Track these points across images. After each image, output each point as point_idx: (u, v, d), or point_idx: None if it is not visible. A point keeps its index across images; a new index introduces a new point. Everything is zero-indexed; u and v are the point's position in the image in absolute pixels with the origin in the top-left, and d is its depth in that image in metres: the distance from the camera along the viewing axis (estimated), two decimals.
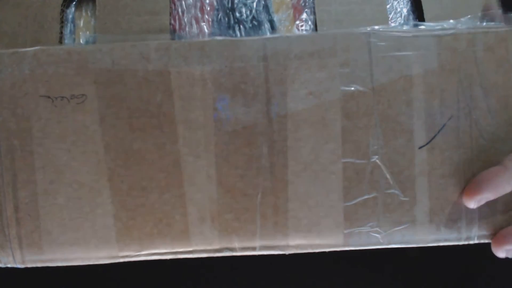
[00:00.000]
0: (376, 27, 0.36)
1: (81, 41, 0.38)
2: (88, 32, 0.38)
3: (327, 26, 0.37)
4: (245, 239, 0.36)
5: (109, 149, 0.36)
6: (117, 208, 0.36)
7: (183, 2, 0.38)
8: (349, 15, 0.38)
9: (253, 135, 0.36)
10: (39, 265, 0.37)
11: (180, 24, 0.38)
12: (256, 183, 0.36)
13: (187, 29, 0.38)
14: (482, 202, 0.36)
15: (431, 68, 0.36)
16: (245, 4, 0.38)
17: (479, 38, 0.36)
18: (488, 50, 0.36)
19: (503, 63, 0.36)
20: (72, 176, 0.36)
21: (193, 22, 0.38)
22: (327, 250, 0.37)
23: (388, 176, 0.36)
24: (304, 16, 0.38)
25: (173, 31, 0.37)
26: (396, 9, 0.39)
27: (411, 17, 0.39)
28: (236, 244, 0.37)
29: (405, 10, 0.39)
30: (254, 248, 0.37)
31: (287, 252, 0.37)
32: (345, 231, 0.37)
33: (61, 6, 0.38)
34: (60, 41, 0.38)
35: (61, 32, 0.38)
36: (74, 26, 0.38)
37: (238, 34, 0.38)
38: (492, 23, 0.37)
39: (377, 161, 0.36)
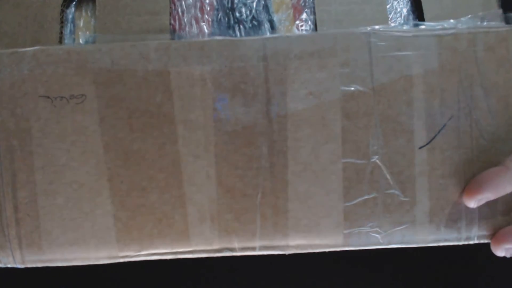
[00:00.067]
0: (377, 26, 0.36)
1: (81, 41, 0.38)
2: (88, 32, 0.38)
3: (327, 26, 0.37)
4: (245, 239, 0.36)
5: (108, 149, 0.36)
6: (117, 208, 0.36)
7: (183, 2, 0.38)
8: (349, 15, 0.38)
9: (253, 135, 0.36)
10: (39, 265, 0.37)
11: (180, 24, 0.38)
12: (256, 183, 0.36)
13: (187, 29, 0.38)
14: (483, 202, 0.36)
15: (431, 68, 0.36)
16: (245, 4, 0.38)
17: (480, 38, 0.36)
18: (489, 50, 0.36)
19: (503, 63, 0.36)
20: (71, 176, 0.36)
21: (193, 22, 0.38)
22: (327, 250, 0.37)
23: (388, 176, 0.36)
24: (304, 16, 0.38)
25: (173, 31, 0.37)
26: (396, 9, 0.39)
27: (411, 17, 0.39)
28: (236, 244, 0.37)
29: (405, 10, 0.39)
30: (254, 248, 0.37)
31: (287, 252, 0.37)
32: (345, 231, 0.36)
33: (61, 6, 0.38)
34: (60, 41, 0.38)
35: (61, 32, 0.38)
36: (74, 26, 0.38)
37: (238, 34, 0.38)
38: (493, 22, 0.37)
39: (377, 161, 0.36)
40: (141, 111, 0.36)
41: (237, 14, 0.38)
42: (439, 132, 0.36)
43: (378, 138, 0.36)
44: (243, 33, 0.38)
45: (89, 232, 0.36)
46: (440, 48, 0.36)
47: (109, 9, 0.37)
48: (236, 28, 0.38)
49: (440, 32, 0.36)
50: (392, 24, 0.38)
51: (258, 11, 0.38)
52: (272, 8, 0.38)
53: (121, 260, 0.37)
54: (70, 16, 0.38)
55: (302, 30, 0.38)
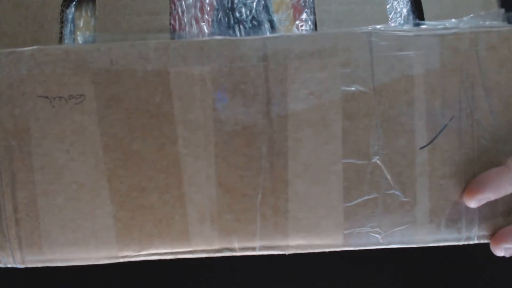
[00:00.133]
0: (378, 26, 0.36)
1: (80, 41, 0.38)
2: (88, 32, 0.38)
3: (327, 26, 0.37)
4: (245, 239, 0.36)
5: (108, 149, 0.36)
6: (117, 209, 0.36)
7: (183, 2, 0.38)
8: (349, 15, 0.37)
9: (253, 135, 0.36)
10: (39, 265, 0.37)
11: (180, 24, 0.38)
12: (256, 184, 0.36)
13: (187, 29, 0.38)
14: (483, 202, 0.36)
15: (433, 68, 0.36)
16: (245, 4, 0.38)
17: (482, 37, 0.36)
18: (491, 50, 0.36)
19: (505, 62, 0.36)
20: (71, 176, 0.36)
21: (193, 22, 0.38)
22: (327, 250, 0.37)
23: (388, 176, 0.36)
24: (304, 16, 0.38)
25: (173, 31, 0.37)
26: (396, 9, 0.39)
27: (411, 17, 0.39)
28: (236, 245, 0.37)
29: (405, 10, 0.39)
30: (254, 249, 0.37)
31: (287, 252, 0.37)
32: (345, 232, 0.36)
33: (61, 6, 0.38)
34: (60, 41, 0.38)
35: (61, 32, 0.38)
36: (74, 26, 0.38)
37: (238, 34, 0.38)
38: (495, 22, 0.37)
39: (378, 161, 0.36)
40: (141, 111, 0.36)
41: (237, 14, 0.38)
42: (440, 132, 0.36)
43: (378, 139, 0.36)
44: (243, 33, 0.38)
45: (89, 232, 0.36)
46: (441, 47, 0.36)
47: (109, 9, 0.37)
48: (236, 28, 0.38)
49: (442, 31, 0.36)
50: (392, 24, 0.38)
51: (258, 11, 0.38)
52: (272, 8, 0.38)
53: (121, 260, 0.37)
54: (70, 16, 0.38)
55: (302, 30, 0.38)
